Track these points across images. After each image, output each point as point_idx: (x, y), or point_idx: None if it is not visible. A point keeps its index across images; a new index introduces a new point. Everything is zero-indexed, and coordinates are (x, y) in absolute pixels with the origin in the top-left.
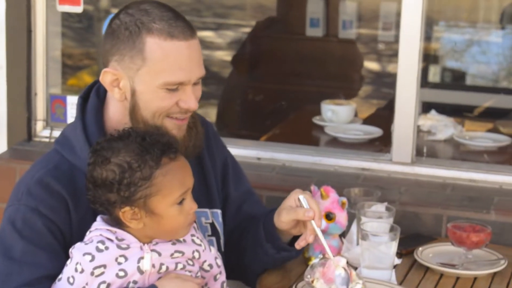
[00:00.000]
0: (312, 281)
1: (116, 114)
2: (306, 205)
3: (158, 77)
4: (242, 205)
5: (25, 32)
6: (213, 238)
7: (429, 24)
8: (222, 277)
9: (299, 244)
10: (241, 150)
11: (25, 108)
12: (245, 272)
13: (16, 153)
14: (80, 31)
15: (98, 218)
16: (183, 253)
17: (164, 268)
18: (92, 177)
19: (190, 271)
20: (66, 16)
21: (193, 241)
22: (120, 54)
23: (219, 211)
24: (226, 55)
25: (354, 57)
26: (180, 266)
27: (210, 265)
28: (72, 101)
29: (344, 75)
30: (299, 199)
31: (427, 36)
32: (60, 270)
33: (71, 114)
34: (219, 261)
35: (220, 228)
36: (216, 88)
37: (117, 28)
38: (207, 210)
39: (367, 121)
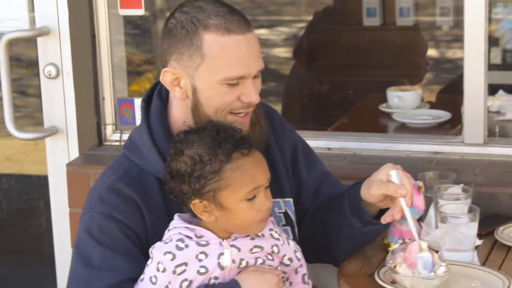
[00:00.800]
0: (395, 267)
1: (179, 114)
2: (398, 181)
3: (218, 72)
4: (320, 187)
5: (89, 37)
6: (288, 228)
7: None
8: (303, 269)
9: (385, 219)
10: (310, 141)
11: (94, 114)
12: (331, 254)
13: (88, 158)
14: (137, 37)
15: (176, 217)
16: (262, 248)
17: (244, 263)
18: (169, 168)
19: (270, 266)
20: (124, 22)
21: (271, 235)
22: (179, 53)
23: (291, 200)
24: (282, 52)
25: (418, 43)
26: (259, 261)
27: (290, 259)
28: (139, 103)
29: (405, 63)
30: (391, 174)
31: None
32: (139, 273)
33: (140, 116)
34: (299, 254)
35: (293, 217)
36: (275, 85)
37: (173, 28)
38: (279, 200)
39: (432, 106)
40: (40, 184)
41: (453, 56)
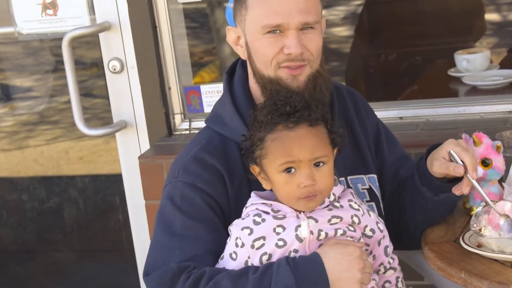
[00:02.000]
0: (480, 230)
1: (251, 78)
2: (458, 159)
3: (258, 22)
4: (399, 170)
5: (151, 29)
6: (373, 203)
7: None
8: (385, 241)
9: (454, 191)
10: (382, 112)
11: (161, 104)
12: (408, 231)
13: (160, 149)
14: (196, 30)
15: (252, 194)
16: (341, 218)
17: (323, 234)
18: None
19: (352, 237)
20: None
21: (350, 206)
22: (236, 10)
23: (375, 176)
24: (342, 31)
25: (476, 6)
26: (340, 232)
27: (372, 230)
28: (206, 89)
29: (465, 27)
30: (450, 154)
31: None
32: (220, 244)
33: (207, 102)
34: (381, 225)
35: (378, 193)
36: (337, 65)
37: None
38: (363, 176)
39: (504, 66)
40: (114, 180)
41: None
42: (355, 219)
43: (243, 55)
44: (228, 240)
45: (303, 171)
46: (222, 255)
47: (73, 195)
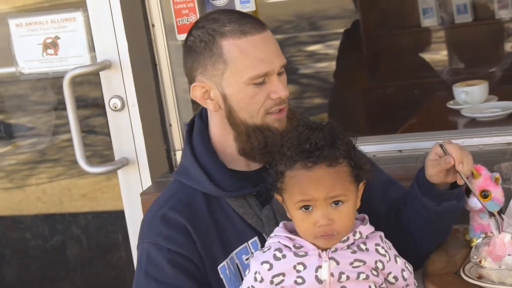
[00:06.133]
0: (480, 261)
1: (217, 127)
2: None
3: (243, 74)
4: (388, 191)
5: (151, 66)
6: None
7: None
8: None
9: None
10: (381, 146)
11: (162, 141)
12: (412, 250)
13: (161, 186)
14: None
15: (281, 224)
16: (364, 262)
17: (344, 277)
18: None
19: (374, 282)
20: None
21: (377, 250)
22: (202, 65)
23: None
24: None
25: (477, 38)
26: (362, 276)
27: (395, 277)
28: None
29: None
30: (441, 147)
31: None
32: None
33: None
34: (406, 274)
35: None
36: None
37: (192, 44)
38: None
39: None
40: (116, 217)
41: None
42: (379, 265)
43: (214, 108)
44: (246, 272)
45: (320, 210)
46: None
47: (76, 232)
